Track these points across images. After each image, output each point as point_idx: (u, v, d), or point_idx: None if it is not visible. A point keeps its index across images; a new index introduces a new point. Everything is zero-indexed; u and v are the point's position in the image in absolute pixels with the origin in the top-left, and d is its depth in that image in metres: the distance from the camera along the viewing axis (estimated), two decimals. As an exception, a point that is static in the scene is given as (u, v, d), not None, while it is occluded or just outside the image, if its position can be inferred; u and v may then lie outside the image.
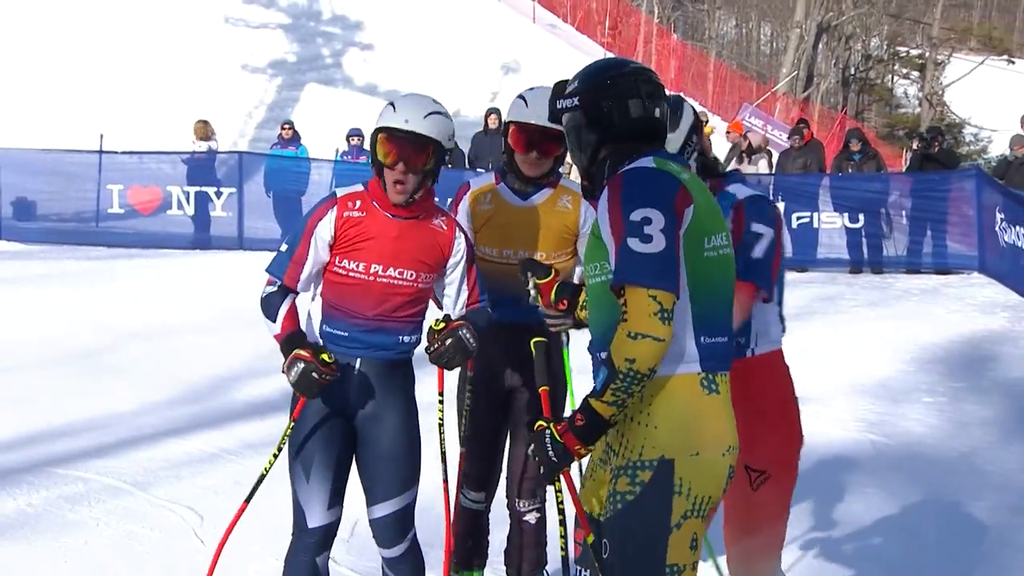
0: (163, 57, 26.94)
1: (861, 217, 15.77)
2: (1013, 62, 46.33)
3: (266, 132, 26.50)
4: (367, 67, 29.44)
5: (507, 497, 4.90)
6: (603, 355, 3.06)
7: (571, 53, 31.59)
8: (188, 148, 18.23)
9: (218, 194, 17.55)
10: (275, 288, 4.25)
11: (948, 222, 15.52)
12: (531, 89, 4.65)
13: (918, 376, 9.77)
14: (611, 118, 3.23)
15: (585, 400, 3.02)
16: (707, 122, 17.67)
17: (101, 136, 18.23)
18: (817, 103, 37.54)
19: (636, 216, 2.99)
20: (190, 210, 17.57)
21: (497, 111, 17.78)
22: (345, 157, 18.19)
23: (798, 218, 16.09)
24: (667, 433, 3.06)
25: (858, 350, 10.56)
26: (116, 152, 18.03)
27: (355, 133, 18.38)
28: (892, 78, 45.90)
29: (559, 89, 3.42)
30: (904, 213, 15.79)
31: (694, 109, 4.08)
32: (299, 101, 28.34)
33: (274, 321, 4.20)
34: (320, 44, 30.82)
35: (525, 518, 4.82)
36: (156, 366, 9.70)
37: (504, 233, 4.60)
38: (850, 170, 16.27)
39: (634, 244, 2.96)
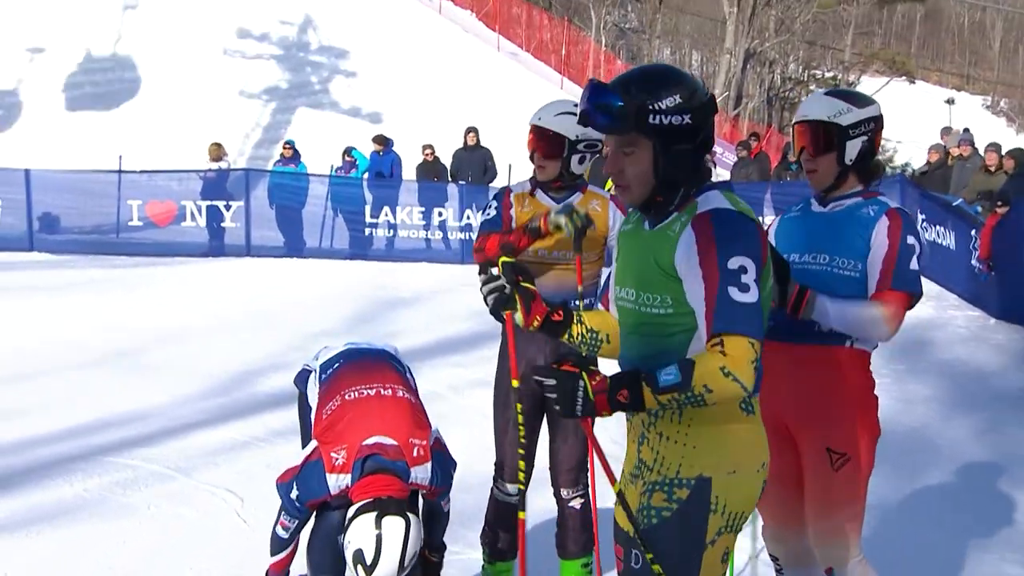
0: (170, 86, 26.95)
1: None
2: (914, 82, 46.96)
3: (262, 151, 26.46)
4: (351, 92, 29.37)
5: (552, 487, 4.71)
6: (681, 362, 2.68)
7: (530, 77, 31.75)
8: (198, 166, 18.18)
9: (227, 207, 17.40)
10: None
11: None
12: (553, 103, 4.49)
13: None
14: (709, 136, 2.81)
15: (639, 383, 2.64)
16: None
17: (120, 157, 18.07)
18: (746, 120, 37.70)
19: (733, 264, 2.64)
20: (202, 222, 17.45)
21: (475, 129, 17.68)
22: (339, 172, 18.07)
23: (744, 223, 15.96)
24: (705, 453, 2.80)
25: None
26: (135, 171, 17.88)
27: (347, 150, 18.24)
28: (803, 96, 46.24)
29: (624, 89, 2.71)
30: (837, 215, 15.74)
31: None
32: (291, 123, 28.26)
33: None
34: (309, 72, 30.70)
35: (571, 504, 4.64)
36: (184, 363, 9.57)
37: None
38: (788, 178, 16.30)
39: (734, 294, 2.63)
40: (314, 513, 4.23)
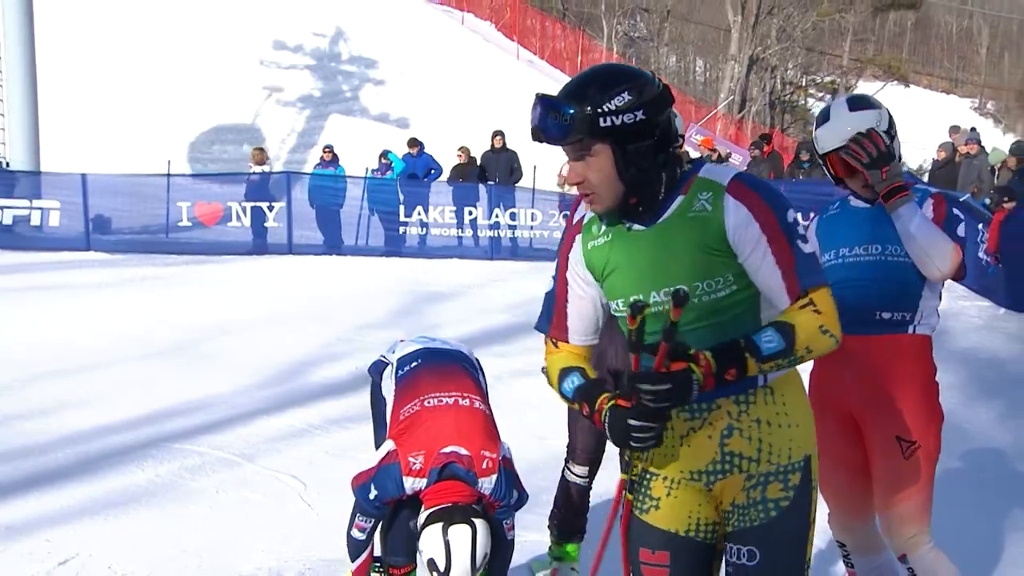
0: (212, 95, 26.92)
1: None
2: (908, 86, 46.70)
3: (298, 155, 26.52)
4: (381, 99, 29.40)
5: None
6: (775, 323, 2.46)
7: (547, 82, 31.59)
8: (244, 169, 18.21)
9: (270, 208, 17.37)
10: None
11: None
12: None
13: None
14: (669, 127, 2.53)
15: (743, 356, 2.38)
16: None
17: (169, 162, 18.11)
18: (750, 122, 37.52)
19: (791, 217, 2.47)
20: (247, 221, 17.43)
21: (501, 132, 17.64)
22: (375, 173, 18.03)
23: (759, 219, 15.86)
24: (805, 429, 2.60)
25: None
26: (185, 175, 17.92)
27: (383, 153, 18.21)
28: (808, 100, 45.99)
29: (573, 97, 2.46)
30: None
31: None
32: (324, 129, 28.27)
33: None
34: (340, 81, 30.74)
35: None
36: (240, 355, 9.49)
37: None
38: (801, 176, 16.17)
39: (802, 246, 2.45)
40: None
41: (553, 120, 2.45)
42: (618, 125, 2.44)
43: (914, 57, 63.63)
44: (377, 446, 4.22)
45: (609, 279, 2.62)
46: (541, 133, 2.50)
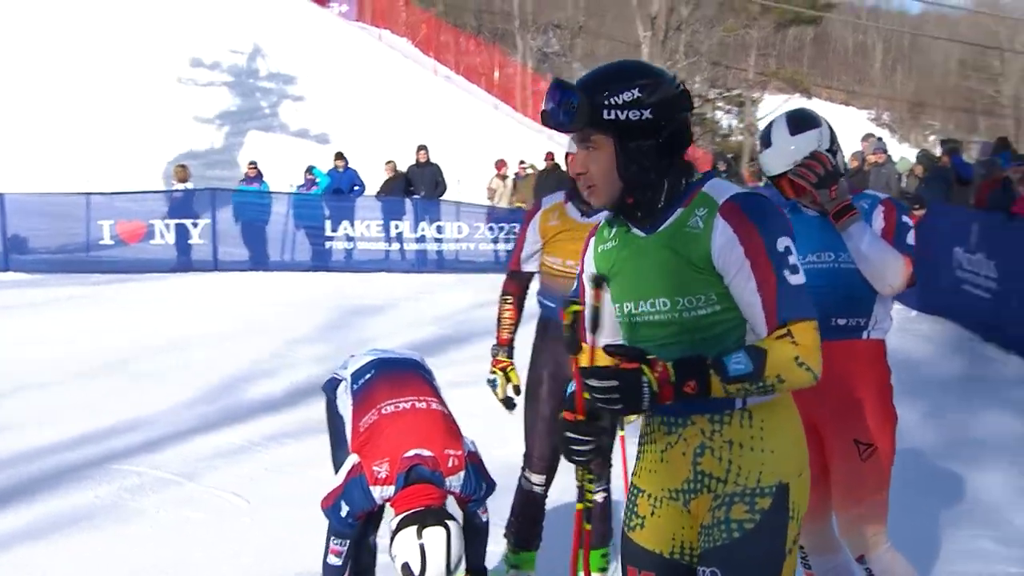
0: (128, 112, 26.38)
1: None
2: (810, 98, 47.80)
3: (217, 172, 26.04)
4: (300, 115, 29.08)
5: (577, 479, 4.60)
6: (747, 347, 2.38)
7: (467, 98, 31.82)
8: (164, 187, 17.91)
9: (194, 225, 17.08)
10: None
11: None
12: None
13: None
14: (680, 133, 2.44)
15: (706, 372, 2.30)
16: None
17: (88, 180, 17.68)
18: (661, 135, 37.82)
19: (781, 246, 2.35)
20: (171, 239, 17.09)
21: (424, 147, 17.58)
22: (300, 189, 17.83)
23: (677, 227, 16.00)
24: (781, 457, 2.46)
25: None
26: (106, 193, 17.51)
27: (308, 169, 18.04)
28: (716, 113, 46.71)
29: (585, 85, 2.42)
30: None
31: None
32: (243, 145, 27.90)
33: None
34: (259, 97, 30.34)
35: (595, 497, 4.47)
36: (173, 372, 9.28)
37: (568, 247, 4.26)
38: (718, 186, 16.33)
39: (789, 277, 2.35)
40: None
41: (561, 106, 2.41)
42: (622, 120, 2.39)
43: (813, 71, 65.09)
44: (336, 465, 4.17)
45: (612, 283, 2.57)
46: (549, 117, 2.45)
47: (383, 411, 3.94)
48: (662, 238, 2.47)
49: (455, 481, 3.79)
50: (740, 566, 2.44)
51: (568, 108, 2.40)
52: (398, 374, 4.19)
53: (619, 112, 2.38)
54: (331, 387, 4.39)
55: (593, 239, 2.68)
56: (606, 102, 2.38)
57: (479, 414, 5.79)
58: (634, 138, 2.40)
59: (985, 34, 57.65)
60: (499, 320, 4.54)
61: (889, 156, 14.87)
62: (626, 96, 2.38)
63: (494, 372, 4.53)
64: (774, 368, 2.32)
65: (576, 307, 2.48)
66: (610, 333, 2.62)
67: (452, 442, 3.84)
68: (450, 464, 3.78)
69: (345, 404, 4.19)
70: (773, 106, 42.98)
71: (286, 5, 32.85)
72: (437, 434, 3.85)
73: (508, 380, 4.51)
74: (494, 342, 4.56)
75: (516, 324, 4.53)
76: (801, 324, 2.35)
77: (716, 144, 42.72)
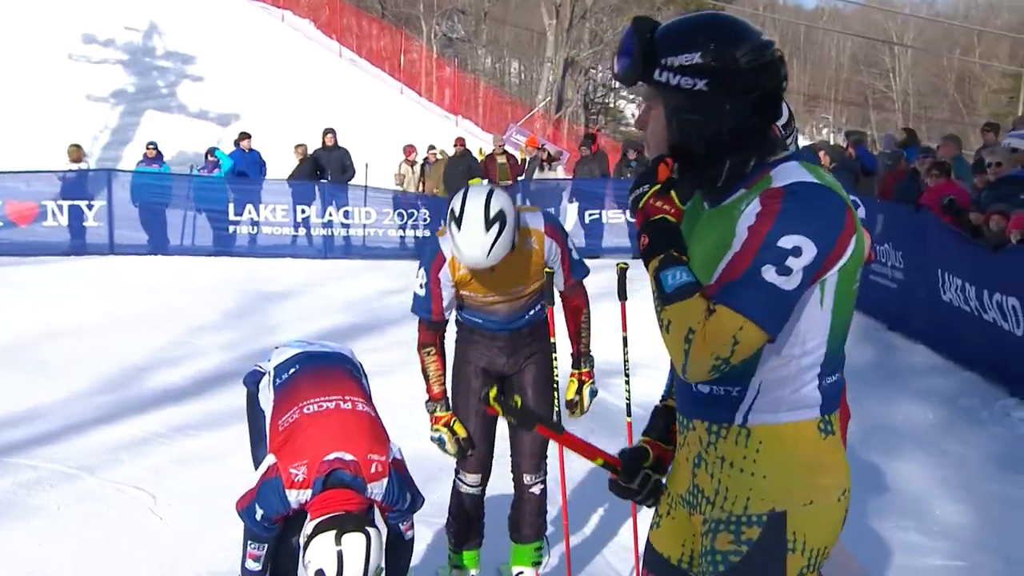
0: (17, 90, 25.34)
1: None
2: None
3: (112, 152, 25.32)
4: (200, 96, 28.33)
5: (513, 473, 4.41)
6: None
7: (372, 82, 31.44)
8: (50, 167, 17.07)
9: (89, 207, 16.37)
10: None
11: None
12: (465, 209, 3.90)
13: None
14: (747, 111, 2.14)
15: (655, 252, 2.10)
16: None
17: (-25, 159, 16.88)
18: (566, 122, 38.07)
19: (787, 242, 2.02)
20: (64, 220, 16.35)
21: (332, 130, 17.18)
22: (201, 171, 17.27)
23: (589, 214, 16.06)
24: (777, 483, 2.18)
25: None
26: (-6, 172, 16.70)
27: (210, 151, 17.49)
28: (620, 102, 47.09)
29: (656, 38, 2.14)
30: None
31: None
32: (140, 125, 27.08)
33: None
34: (156, 76, 29.51)
35: (531, 490, 4.34)
36: (71, 360, 8.86)
37: (487, 283, 4.10)
38: (629, 175, 16.40)
39: (767, 272, 2.01)
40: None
41: (621, 51, 2.17)
42: (672, 84, 2.12)
43: (713, 62, 66.12)
44: (256, 463, 3.94)
45: None
46: (616, 62, 2.21)
47: (305, 410, 3.71)
48: (713, 217, 2.22)
49: (377, 488, 3.57)
50: None
51: (624, 56, 2.16)
52: (324, 370, 3.97)
53: (671, 75, 2.12)
54: (253, 380, 4.16)
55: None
56: (661, 61, 2.13)
57: (403, 404, 5.64)
58: (682, 108, 2.14)
59: (877, 29, 59.20)
60: (426, 374, 4.28)
61: (797, 145, 15.02)
62: (683, 59, 2.11)
63: (438, 429, 4.29)
64: (675, 313, 2.05)
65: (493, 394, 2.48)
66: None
67: (377, 447, 3.63)
68: (373, 470, 3.56)
69: (267, 399, 3.96)
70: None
71: (184, -17, 32.00)
72: (361, 437, 3.63)
73: (454, 434, 4.29)
74: (427, 398, 4.32)
75: (444, 374, 4.32)
76: (729, 313, 2.01)
77: (620, 133, 42.98)
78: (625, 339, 4.27)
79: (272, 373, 3.99)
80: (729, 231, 2.13)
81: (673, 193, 2.14)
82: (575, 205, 15.95)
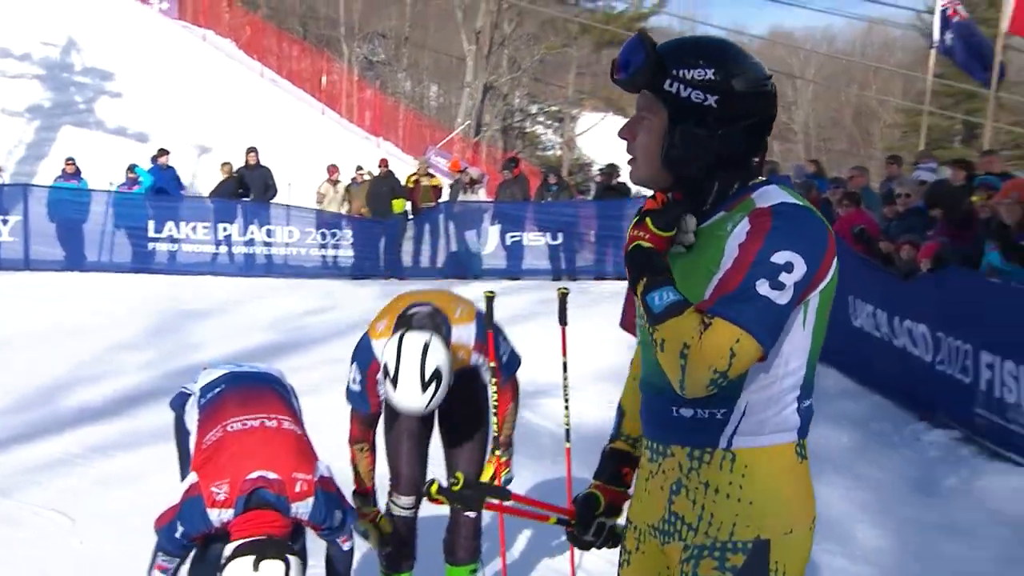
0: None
1: (560, 235, 15.82)
2: (625, 115, 48.93)
3: (27, 168, 24.44)
4: (119, 112, 27.49)
5: None
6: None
7: (294, 102, 31.05)
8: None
9: (4, 221, 15.83)
10: None
11: (625, 238, 15.65)
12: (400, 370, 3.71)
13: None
14: (744, 135, 2.14)
15: (642, 272, 2.07)
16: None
17: None
18: (485, 145, 38.05)
19: (779, 258, 2.00)
20: (-23, 236, 15.75)
21: (255, 149, 16.89)
22: (121, 188, 16.79)
23: (511, 236, 15.99)
24: (763, 510, 2.13)
25: (584, 343, 10.40)
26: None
27: (130, 167, 16.99)
28: (537, 127, 47.19)
29: (664, 49, 2.14)
30: (592, 232, 15.92)
31: None
32: (56, 141, 26.12)
33: None
34: (73, 92, 28.57)
35: (466, 513, 4.19)
36: (-19, 378, 8.48)
37: None
38: (549, 198, 16.43)
39: (762, 286, 1.98)
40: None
41: (630, 58, 2.11)
42: (682, 96, 2.10)
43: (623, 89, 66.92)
44: None
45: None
46: (616, 68, 2.16)
47: (229, 428, 3.57)
48: (697, 238, 2.17)
49: (302, 508, 3.43)
50: None
51: (634, 62, 2.12)
52: (250, 389, 3.83)
53: (682, 87, 2.10)
54: (179, 403, 4.00)
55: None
56: (674, 72, 2.11)
57: (330, 423, 5.46)
58: (688, 121, 2.11)
59: (780, 64, 60.53)
60: (356, 469, 4.14)
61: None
62: (697, 73, 2.10)
63: (364, 525, 4.15)
64: (668, 331, 2.00)
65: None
66: None
67: (302, 465, 3.48)
68: (298, 489, 3.41)
69: (192, 420, 3.80)
70: (591, 122, 43.92)
71: (103, -1, 31.25)
72: (286, 456, 3.49)
73: (379, 530, 4.18)
74: (354, 488, 4.16)
75: (374, 470, 4.18)
76: (726, 325, 1.97)
77: (537, 157, 43.12)
78: (565, 364, 4.18)
79: (198, 393, 3.84)
80: (715, 251, 2.10)
81: (648, 220, 2.11)
82: (497, 227, 15.89)
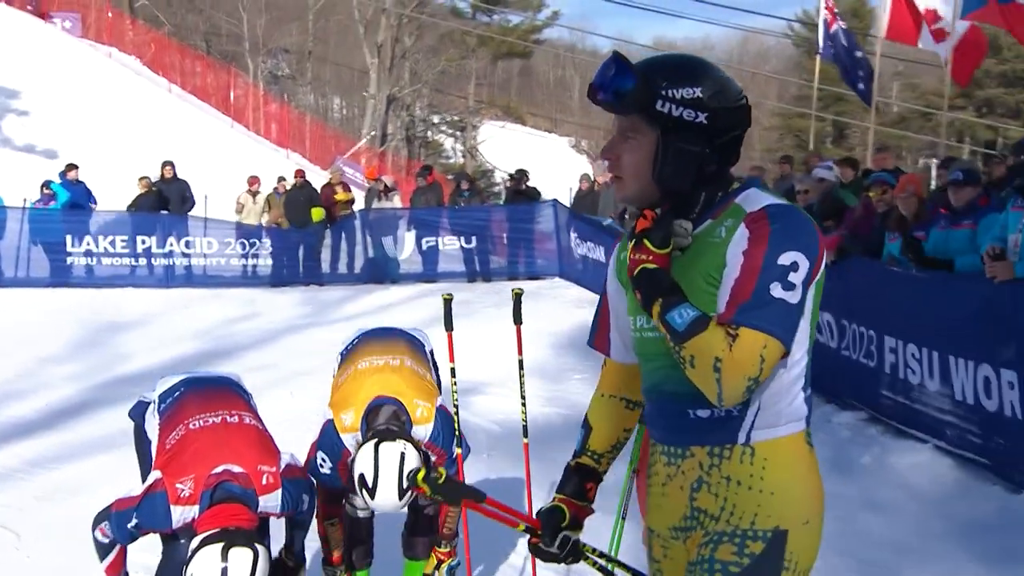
0: None
1: (473, 239, 15.72)
2: (524, 124, 49.35)
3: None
4: (26, 130, 26.50)
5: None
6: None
7: (201, 116, 30.37)
8: None
9: (-83, 240, 15.05)
10: None
11: (535, 240, 15.66)
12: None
13: (562, 359, 9.61)
14: (727, 148, 2.15)
15: (656, 294, 2.05)
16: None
17: None
18: (390, 154, 37.80)
19: (785, 260, 2.01)
20: None
21: (171, 163, 16.46)
22: (36, 204, 16.15)
23: (426, 241, 15.84)
24: (783, 500, 2.11)
25: (507, 342, 10.36)
26: None
27: (45, 183, 16.35)
28: (440, 136, 47.06)
29: (646, 69, 2.11)
30: (504, 235, 15.87)
31: None
32: (-38, 160, 24.99)
33: None
34: (-21, 111, 27.43)
35: (426, 511, 4.15)
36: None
37: None
38: (462, 203, 16.36)
39: (775, 289, 1.99)
40: (161, 544, 3.57)
41: (614, 83, 2.06)
42: (674, 115, 2.07)
43: (522, 100, 67.14)
44: None
45: (628, 294, 2.25)
46: (598, 91, 2.10)
47: (190, 426, 3.45)
48: (690, 248, 2.15)
49: (271, 500, 3.32)
50: None
51: (618, 87, 2.07)
52: (209, 389, 3.73)
53: (674, 107, 2.08)
54: (138, 412, 3.85)
55: (617, 247, 2.38)
56: (663, 92, 2.08)
57: (273, 427, 5.33)
58: (681, 139, 2.09)
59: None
60: (328, 541, 4.07)
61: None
62: (686, 92, 2.08)
63: None
64: (696, 348, 1.98)
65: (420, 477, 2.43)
66: (620, 347, 2.40)
67: (266, 458, 3.38)
68: (264, 481, 3.31)
69: (153, 426, 3.65)
70: (491, 131, 44.02)
71: (4, 18, 30.03)
72: (250, 449, 3.38)
73: None
74: (323, 559, 4.09)
75: (343, 540, 4.12)
76: (752, 333, 1.97)
77: (440, 165, 43.02)
78: (521, 362, 4.15)
79: (157, 400, 3.71)
80: (714, 257, 2.09)
81: (646, 241, 2.09)
82: (412, 233, 15.77)
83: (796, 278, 2.01)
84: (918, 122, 38.91)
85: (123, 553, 3.49)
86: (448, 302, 3.99)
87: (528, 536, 2.44)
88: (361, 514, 4.13)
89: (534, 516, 2.45)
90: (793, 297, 2.01)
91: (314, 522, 3.75)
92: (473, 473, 5.68)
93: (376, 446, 3.52)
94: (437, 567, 4.10)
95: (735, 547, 2.10)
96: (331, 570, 4.08)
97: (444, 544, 4.09)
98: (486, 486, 4.72)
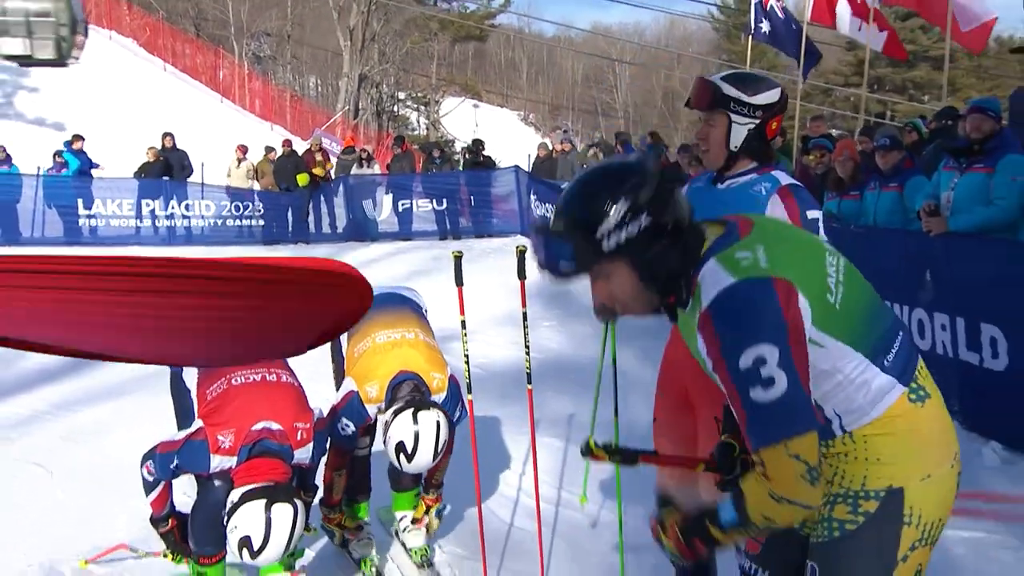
0: None
1: (444, 202, 15.44)
2: (482, 100, 48.84)
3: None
4: (35, 105, 25.56)
5: None
6: (734, 485, 1.95)
7: (194, 92, 29.58)
8: None
9: (-63, 207, 14.46)
10: None
11: (499, 202, 15.43)
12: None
13: (530, 308, 9.41)
14: (677, 215, 1.89)
15: (704, 527, 1.93)
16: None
17: None
18: (362, 127, 37.10)
19: (746, 361, 1.76)
20: (-82, 217, 14.37)
21: (171, 134, 16.00)
22: (50, 171, 15.61)
23: (402, 204, 15.52)
24: (893, 463, 1.92)
25: (482, 293, 10.13)
26: None
27: (58, 152, 15.76)
28: (407, 111, 46.42)
29: (568, 225, 1.87)
30: (471, 198, 15.59)
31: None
32: (-23, 132, 24.08)
33: None
34: (-7, 87, 26.44)
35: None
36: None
37: None
38: (434, 169, 16.05)
39: (757, 395, 1.76)
40: (196, 484, 3.39)
41: (559, 257, 1.85)
42: (624, 241, 1.83)
43: (478, 78, 66.33)
44: None
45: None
46: (548, 270, 1.89)
47: (233, 381, 3.32)
48: (683, 320, 1.99)
49: (303, 453, 3.24)
50: (837, 564, 1.96)
51: (565, 258, 1.85)
52: None
53: (619, 235, 1.83)
54: None
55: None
56: (599, 233, 1.83)
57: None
58: (645, 249, 1.85)
59: (603, 52, 61.01)
60: (331, 487, 3.90)
61: (574, 145, 15.19)
62: (615, 216, 1.82)
63: (330, 527, 4.03)
64: (755, 510, 1.83)
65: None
66: None
67: (301, 415, 3.28)
68: (299, 437, 3.22)
69: (191, 375, 3.51)
70: (452, 106, 43.45)
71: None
72: (287, 407, 3.27)
73: (343, 531, 4.03)
74: (321, 499, 3.91)
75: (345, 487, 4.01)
76: (771, 451, 1.77)
77: (408, 136, 42.45)
78: (525, 314, 3.96)
79: None
80: (693, 343, 1.95)
81: (678, 508, 2.05)
82: (389, 196, 15.46)
83: (769, 369, 1.75)
84: (819, 97, 39.02)
85: (168, 487, 3.38)
86: (459, 259, 3.77)
87: (708, 473, 2.20)
88: (360, 453, 3.97)
89: (701, 456, 2.27)
90: (777, 389, 1.75)
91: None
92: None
93: (414, 415, 3.39)
94: (426, 512, 3.97)
95: (849, 507, 1.95)
96: (327, 508, 3.94)
97: (431, 492, 3.96)
98: (482, 422, 4.57)
